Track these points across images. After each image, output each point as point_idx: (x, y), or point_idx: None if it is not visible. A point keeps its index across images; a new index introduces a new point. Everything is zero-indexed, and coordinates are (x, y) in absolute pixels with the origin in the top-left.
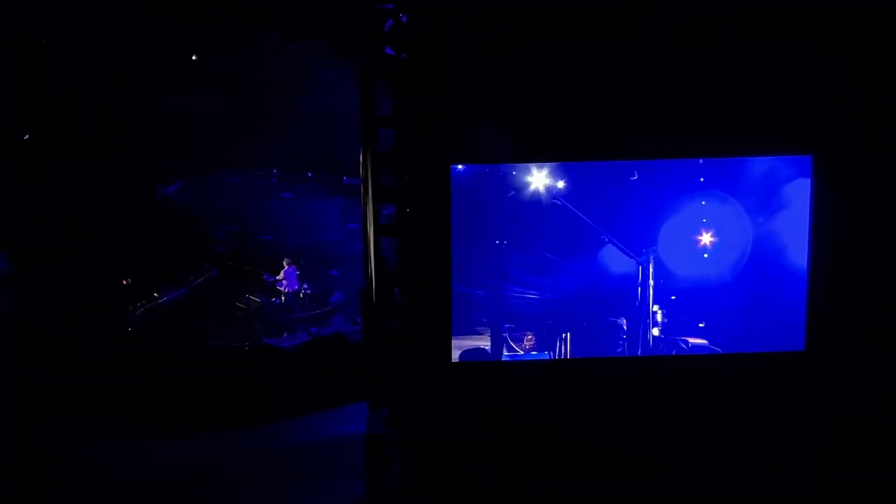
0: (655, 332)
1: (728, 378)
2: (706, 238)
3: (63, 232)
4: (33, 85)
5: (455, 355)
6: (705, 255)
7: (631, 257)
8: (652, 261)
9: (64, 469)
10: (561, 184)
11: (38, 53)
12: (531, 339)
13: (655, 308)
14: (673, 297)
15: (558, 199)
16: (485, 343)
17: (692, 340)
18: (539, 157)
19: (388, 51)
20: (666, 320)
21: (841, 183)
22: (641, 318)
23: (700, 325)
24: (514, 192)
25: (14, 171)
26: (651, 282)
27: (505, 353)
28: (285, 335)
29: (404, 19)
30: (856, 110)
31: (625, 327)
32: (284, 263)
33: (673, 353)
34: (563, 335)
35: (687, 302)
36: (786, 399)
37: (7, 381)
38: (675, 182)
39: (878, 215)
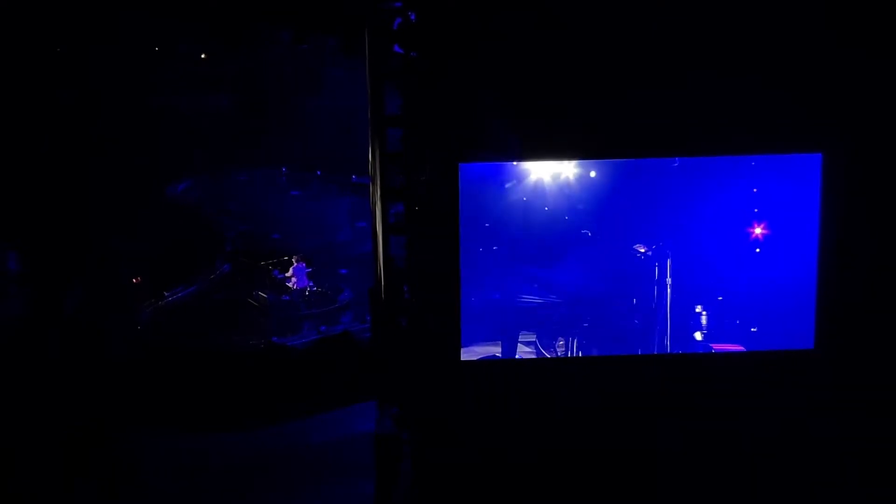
0: (698, 335)
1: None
2: (758, 230)
3: (73, 231)
4: (44, 84)
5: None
6: (757, 250)
7: (650, 252)
8: (669, 258)
9: (74, 469)
10: (571, 176)
11: (50, 54)
12: (562, 345)
13: (698, 309)
14: (720, 298)
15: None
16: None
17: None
18: (548, 156)
19: (397, 49)
20: (709, 323)
21: (851, 181)
22: (658, 319)
23: (752, 329)
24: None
25: (23, 171)
26: (669, 280)
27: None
28: (294, 334)
29: (413, 18)
30: (867, 108)
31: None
32: (293, 260)
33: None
34: (571, 339)
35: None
36: (797, 397)
37: (18, 380)
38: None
39: (888, 213)
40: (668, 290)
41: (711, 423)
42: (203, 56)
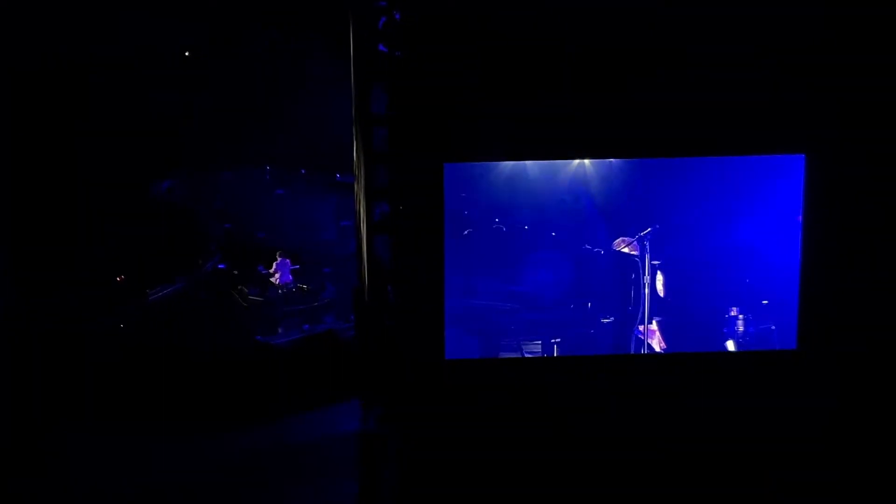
0: (730, 345)
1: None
2: None
3: (55, 228)
4: (28, 80)
5: None
6: None
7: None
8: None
9: (60, 470)
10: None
11: (33, 53)
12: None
13: (734, 312)
14: (765, 302)
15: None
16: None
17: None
18: (533, 156)
19: (382, 49)
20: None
21: (833, 182)
22: (635, 320)
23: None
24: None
25: (5, 168)
26: (646, 279)
27: None
28: (278, 332)
29: (398, 17)
30: (848, 109)
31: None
32: (277, 256)
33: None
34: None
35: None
36: (778, 398)
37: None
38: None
39: (870, 214)
40: (646, 290)
41: (696, 419)
42: (187, 54)
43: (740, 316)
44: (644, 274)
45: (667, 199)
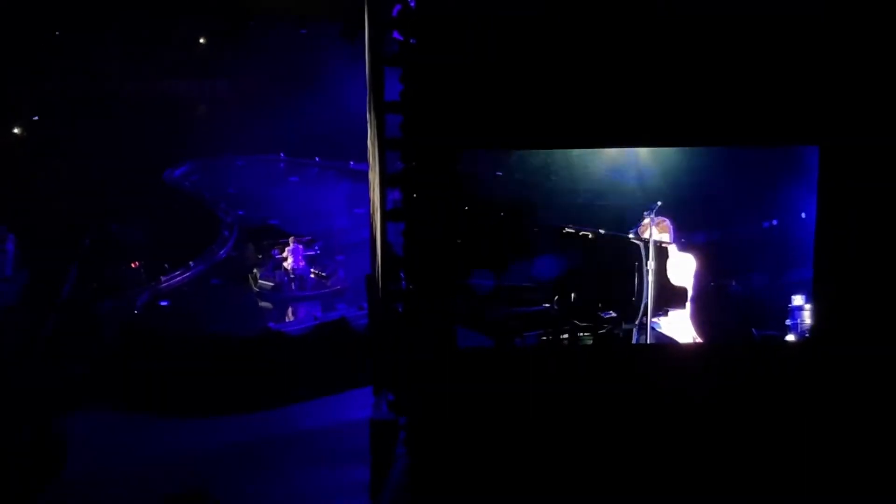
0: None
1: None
2: None
3: (71, 214)
4: (42, 67)
5: None
6: None
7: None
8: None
9: (74, 457)
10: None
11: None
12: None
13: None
14: None
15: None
16: None
17: None
18: (548, 145)
19: (397, 36)
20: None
21: (848, 173)
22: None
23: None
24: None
25: (22, 154)
26: (649, 265)
27: None
28: (291, 319)
29: (413, 4)
30: (864, 99)
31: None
32: (290, 241)
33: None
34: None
35: None
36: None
37: (15, 366)
38: None
39: (885, 206)
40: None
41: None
42: (202, 41)
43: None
44: (647, 259)
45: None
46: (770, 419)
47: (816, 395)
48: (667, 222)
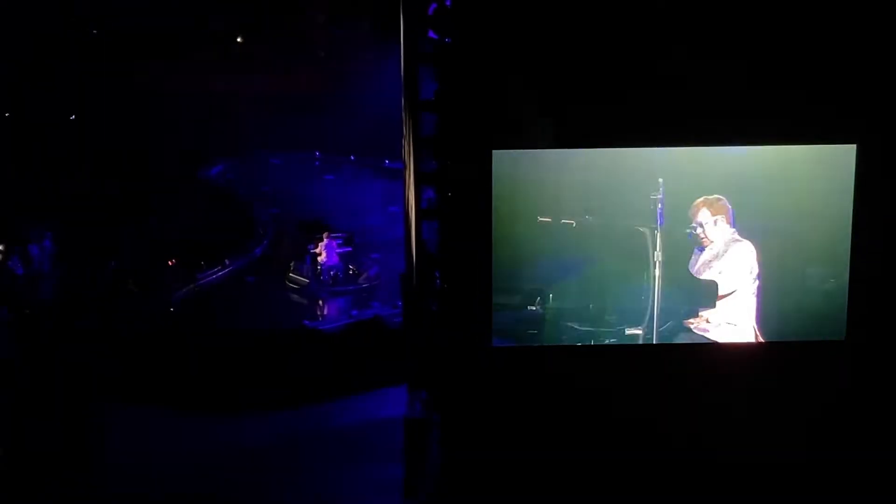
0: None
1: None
2: None
3: (107, 212)
4: (77, 65)
5: None
6: None
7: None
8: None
9: (104, 450)
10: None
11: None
12: None
13: None
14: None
15: None
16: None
17: None
18: (582, 144)
19: (432, 35)
20: None
21: (885, 173)
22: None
23: None
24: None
25: (56, 153)
26: (659, 257)
27: None
28: (326, 317)
29: (448, 3)
30: None
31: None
32: (324, 237)
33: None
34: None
35: None
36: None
37: (48, 361)
38: None
39: None
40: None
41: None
42: (239, 39)
43: None
44: (655, 251)
45: None
46: (808, 419)
47: (851, 394)
48: (724, 201)
